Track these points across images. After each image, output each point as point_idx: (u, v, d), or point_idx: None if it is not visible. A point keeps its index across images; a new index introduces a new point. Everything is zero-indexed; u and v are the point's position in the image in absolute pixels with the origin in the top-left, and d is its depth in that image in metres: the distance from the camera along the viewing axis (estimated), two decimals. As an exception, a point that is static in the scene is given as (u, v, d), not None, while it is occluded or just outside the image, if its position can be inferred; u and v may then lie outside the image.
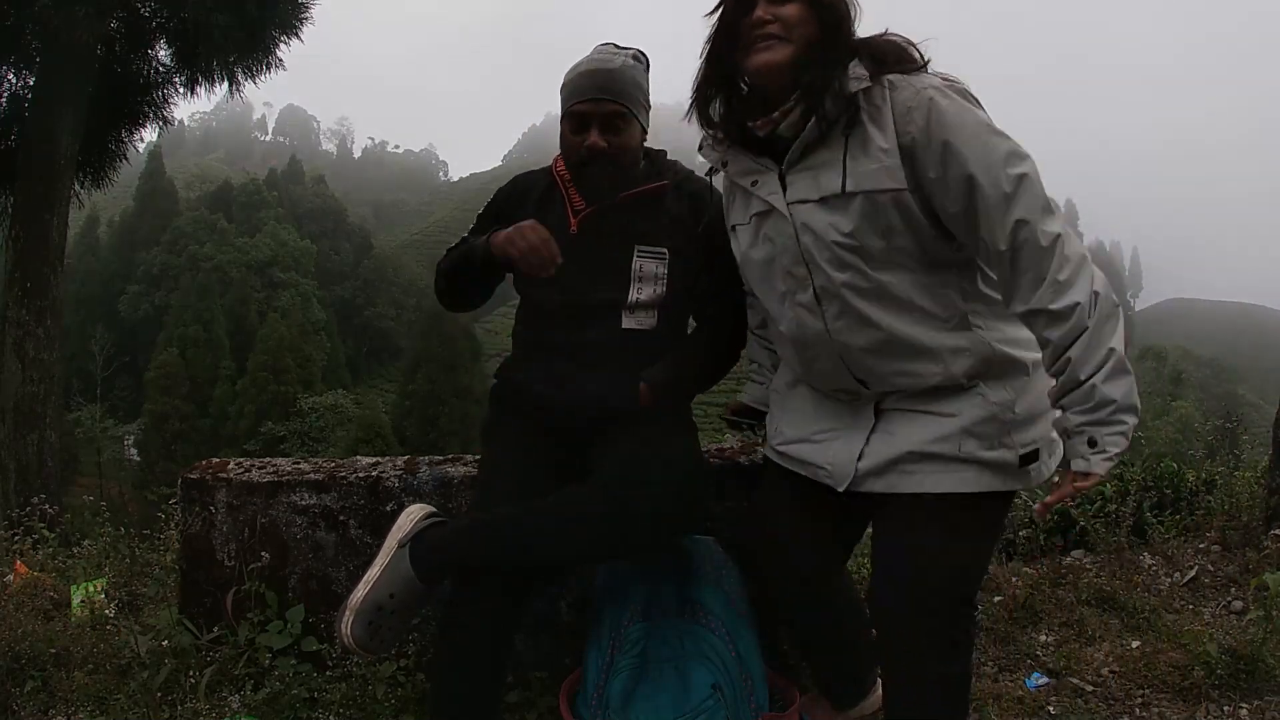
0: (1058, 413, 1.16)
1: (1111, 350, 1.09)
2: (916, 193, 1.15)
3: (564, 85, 1.53)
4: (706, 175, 1.43)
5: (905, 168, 1.14)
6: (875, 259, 1.18)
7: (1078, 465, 1.12)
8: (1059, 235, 1.09)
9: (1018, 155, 1.11)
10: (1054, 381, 1.15)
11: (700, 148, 1.37)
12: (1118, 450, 1.10)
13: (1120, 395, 1.08)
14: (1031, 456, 1.21)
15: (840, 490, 1.30)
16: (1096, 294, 1.10)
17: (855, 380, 1.27)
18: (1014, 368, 1.22)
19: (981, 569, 1.33)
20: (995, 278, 1.19)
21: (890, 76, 1.16)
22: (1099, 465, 1.10)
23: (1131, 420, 1.10)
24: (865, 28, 1.23)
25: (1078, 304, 1.09)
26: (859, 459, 1.27)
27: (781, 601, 1.53)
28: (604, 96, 1.47)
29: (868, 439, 1.28)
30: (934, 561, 1.22)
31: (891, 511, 1.27)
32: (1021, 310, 1.14)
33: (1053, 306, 1.10)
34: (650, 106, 1.56)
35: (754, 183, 1.27)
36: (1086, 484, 1.12)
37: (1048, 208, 1.11)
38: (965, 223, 1.14)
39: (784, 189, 1.24)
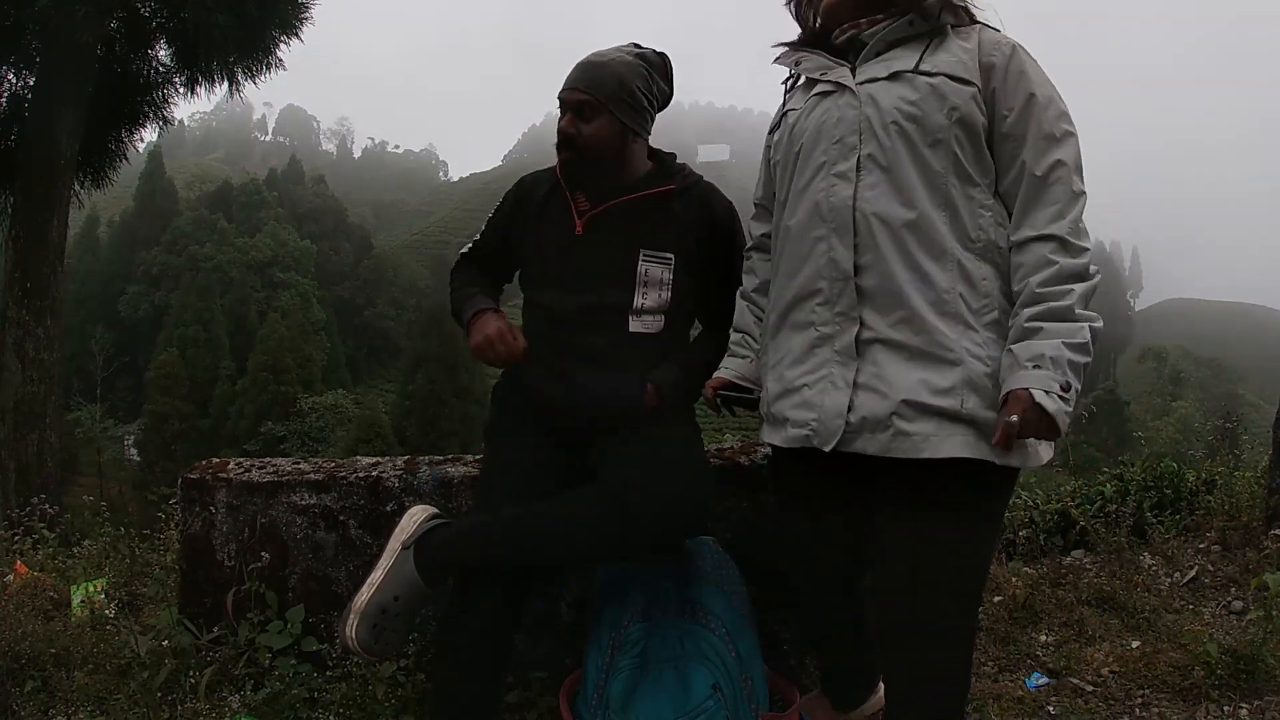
0: None
1: (1096, 318, 1.13)
2: (982, 101, 1.19)
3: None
4: (783, 84, 1.43)
5: (982, 80, 1.20)
6: (931, 136, 1.18)
7: (1044, 401, 1.07)
8: (1085, 196, 1.15)
9: (1070, 119, 1.18)
10: None
11: (776, 59, 1.40)
12: (1073, 407, 1.10)
13: (1089, 358, 1.11)
14: None
15: (827, 450, 1.20)
16: (1099, 272, 1.16)
17: (850, 275, 1.19)
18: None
19: (987, 562, 1.29)
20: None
21: (977, 23, 1.26)
22: (1061, 413, 1.08)
23: (1079, 387, 1.11)
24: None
25: (1087, 251, 1.14)
26: (848, 410, 1.18)
27: (803, 601, 1.51)
28: (575, 86, 1.48)
29: (854, 384, 1.18)
30: (938, 555, 1.18)
31: (890, 495, 1.20)
32: (1032, 235, 1.15)
33: (1070, 239, 1.13)
34: (650, 106, 1.54)
35: (823, 73, 1.29)
36: (1022, 434, 1.09)
37: (1080, 173, 1.16)
38: (1011, 144, 1.18)
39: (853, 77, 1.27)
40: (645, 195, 1.51)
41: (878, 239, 1.18)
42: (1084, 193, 1.16)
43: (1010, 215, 1.20)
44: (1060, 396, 1.08)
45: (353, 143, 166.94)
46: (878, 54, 1.26)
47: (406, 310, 57.59)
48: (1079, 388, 1.10)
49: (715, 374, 1.50)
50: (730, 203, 1.62)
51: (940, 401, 1.13)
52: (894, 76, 1.22)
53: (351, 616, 1.36)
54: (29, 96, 7.19)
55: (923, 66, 1.21)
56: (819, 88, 1.30)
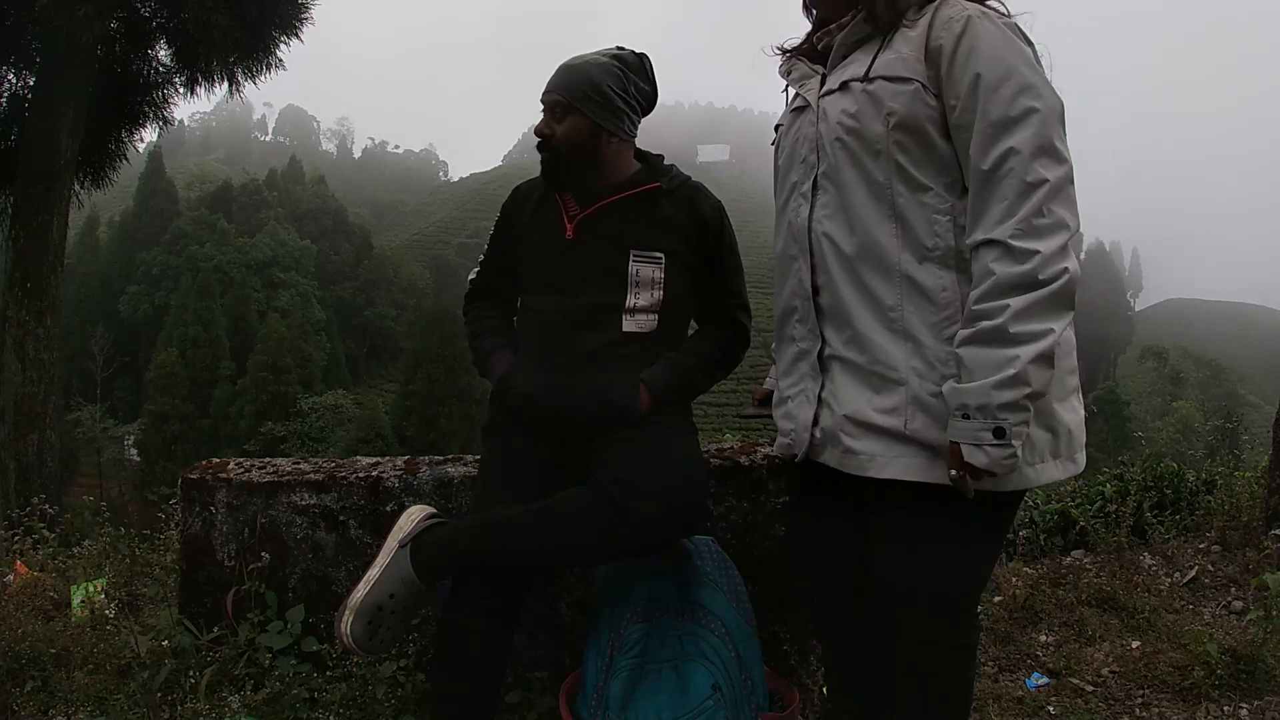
0: (1058, 402, 1.08)
1: (1050, 330, 1.00)
2: (931, 94, 1.11)
3: None
4: (783, 93, 1.41)
5: (929, 69, 1.11)
6: (873, 146, 1.13)
7: (972, 456, 1.02)
8: (1048, 184, 1.01)
9: (1035, 92, 1.04)
10: (1064, 374, 1.08)
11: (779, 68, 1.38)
12: (1019, 444, 1.01)
13: (1040, 382, 1.01)
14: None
15: (798, 460, 1.23)
16: (1066, 271, 1.01)
17: (812, 292, 1.20)
18: None
19: (983, 574, 1.24)
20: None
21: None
22: (998, 462, 1.01)
23: (1030, 419, 1.02)
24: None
25: (1038, 253, 1.00)
26: (813, 423, 1.20)
27: (812, 613, 1.48)
28: (548, 88, 1.53)
29: (819, 399, 1.21)
30: (930, 568, 1.14)
31: (883, 507, 1.18)
32: (978, 239, 1.05)
33: (1013, 242, 1.01)
34: (628, 106, 1.54)
35: (803, 85, 1.29)
36: (971, 483, 1.04)
37: (1050, 154, 1.03)
38: (964, 135, 1.08)
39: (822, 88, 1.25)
40: (632, 195, 1.52)
41: (828, 260, 1.18)
42: (1045, 180, 1.01)
43: None
44: (993, 445, 1.01)
45: (353, 143, 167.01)
46: (842, 59, 1.22)
47: (406, 310, 57.58)
48: (1021, 421, 1.01)
49: (760, 387, 1.58)
50: (718, 201, 1.63)
51: (883, 421, 1.12)
52: (843, 87, 1.18)
53: (347, 613, 1.36)
54: (29, 96, 7.20)
55: (871, 71, 1.15)
56: (795, 101, 1.31)
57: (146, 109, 7.81)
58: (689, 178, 1.62)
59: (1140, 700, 1.83)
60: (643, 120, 1.60)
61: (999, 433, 1.00)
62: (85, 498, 3.95)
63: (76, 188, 7.30)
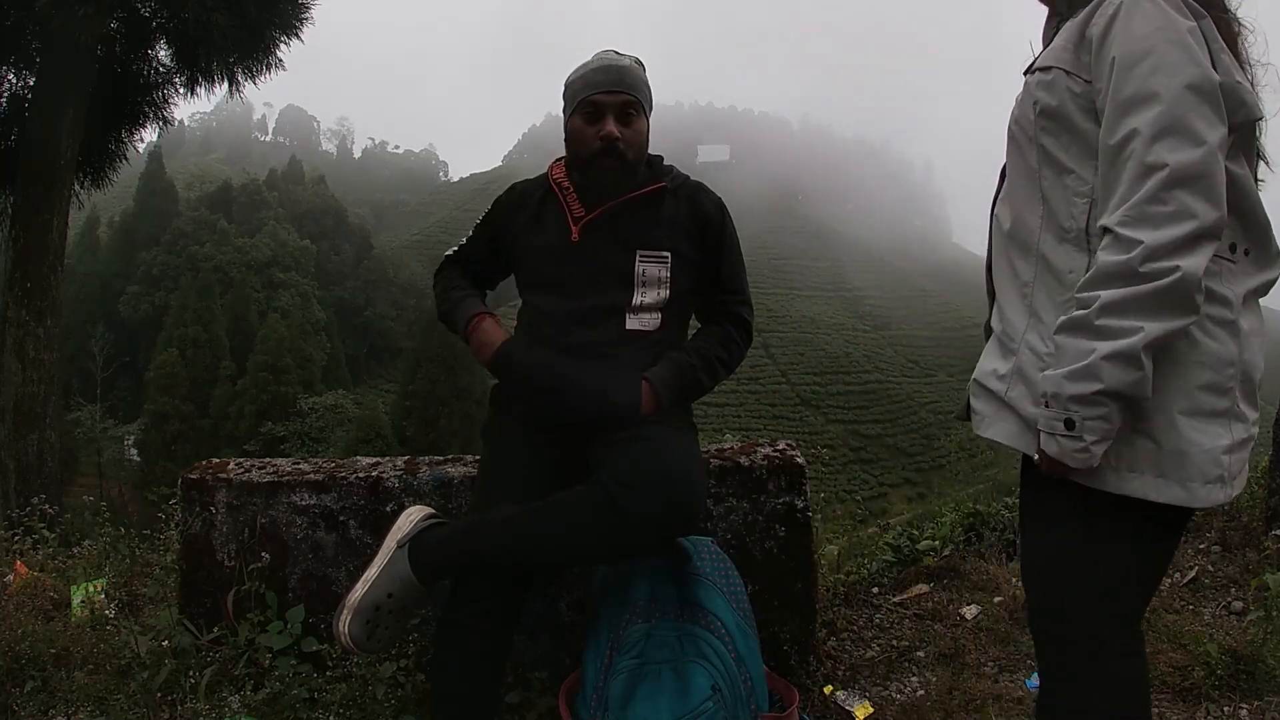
0: (1176, 417, 1.01)
1: (1139, 329, 0.94)
2: (1079, 79, 1.08)
3: (572, 83, 1.56)
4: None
5: (1081, 55, 1.08)
6: (1027, 133, 1.14)
7: (1046, 444, 1.02)
8: (1167, 168, 0.94)
9: (1172, 69, 0.97)
10: (1195, 388, 1.01)
11: None
12: (1094, 440, 0.98)
13: (1117, 380, 0.95)
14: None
15: (960, 420, 1.26)
16: (1178, 269, 0.93)
17: (986, 270, 1.24)
18: None
19: (1113, 586, 1.09)
20: None
21: None
22: (1069, 454, 0.99)
23: (1110, 417, 0.97)
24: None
25: (1141, 244, 0.94)
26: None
27: None
28: (618, 88, 1.51)
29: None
30: (1052, 565, 1.11)
31: (1025, 497, 1.18)
32: (1100, 225, 1.02)
33: (1120, 229, 0.96)
34: (651, 109, 1.58)
35: None
36: (1048, 470, 1.03)
37: (1177, 135, 0.95)
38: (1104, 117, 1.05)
39: None
40: (638, 195, 1.52)
41: (995, 238, 1.21)
42: (1164, 165, 0.94)
43: None
44: (1064, 436, 0.99)
45: (353, 143, 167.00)
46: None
47: (406, 310, 57.60)
48: (1095, 416, 0.97)
49: None
50: (719, 199, 1.63)
51: (993, 384, 1.15)
52: (1027, 73, 1.18)
53: (345, 612, 1.37)
54: (29, 96, 7.19)
55: (1035, 64, 1.16)
56: None
57: (146, 109, 7.80)
58: (689, 177, 1.63)
59: (1140, 700, 1.83)
60: None
61: (1069, 424, 0.99)
62: (85, 498, 3.95)
63: (76, 188, 7.29)
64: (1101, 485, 1.03)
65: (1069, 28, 1.12)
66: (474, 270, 1.72)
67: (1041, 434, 1.03)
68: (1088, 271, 1.03)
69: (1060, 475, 1.03)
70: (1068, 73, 1.09)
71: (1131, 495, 1.01)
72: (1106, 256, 0.98)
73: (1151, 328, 0.94)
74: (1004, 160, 1.24)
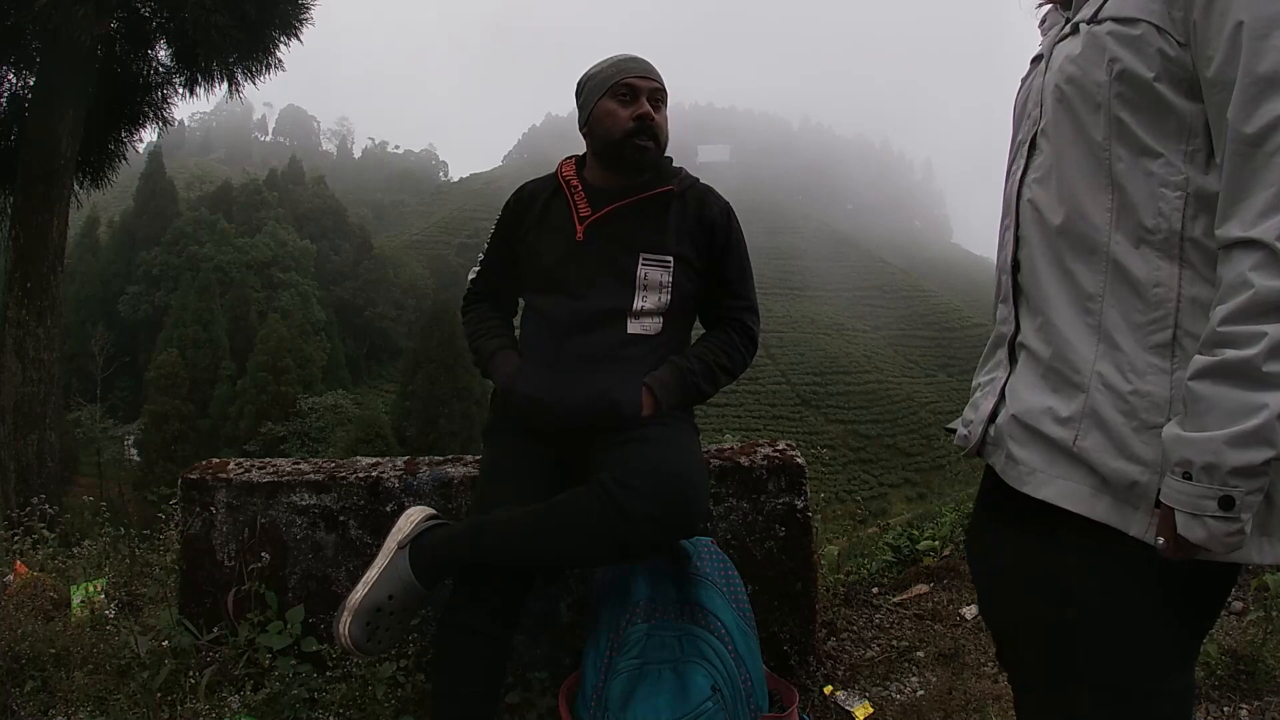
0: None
1: None
2: (1172, 40, 0.86)
3: (600, 71, 1.57)
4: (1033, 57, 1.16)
5: (1173, 10, 0.86)
6: (1093, 99, 0.91)
7: (1187, 529, 0.79)
8: None
9: None
10: None
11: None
12: (1249, 520, 0.77)
13: (1271, 452, 0.74)
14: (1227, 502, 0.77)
15: (964, 455, 1.06)
16: None
17: (1012, 268, 1.02)
18: None
19: (1166, 652, 0.94)
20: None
21: None
22: (1219, 539, 0.77)
23: (1262, 488, 0.77)
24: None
25: None
26: (990, 419, 1.02)
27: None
28: (650, 76, 1.55)
29: (1001, 392, 1.01)
30: (1101, 628, 0.92)
31: (1030, 536, 0.98)
32: (1234, 236, 0.79)
33: (1279, 244, 0.75)
34: None
35: (1049, 33, 1.08)
36: (1174, 555, 0.81)
37: None
38: (1219, 95, 0.82)
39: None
40: (643, 198, 1.52)
41: (1031, 231, 0.99)
42: None
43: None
44: (1216, 518, 0.77)
45: (353, 143, 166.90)
46: (1084, 1, 0.99)
47: (406, 310, 57.62)
48: (1255, 490, 0.77)
49: None
50: (727, 203, 1.63)
51: (1051, 430, 0.92)
52: (1074, 29, 0.96)
53: (345, 613, 1.36)
54: (29, 96, 7.19)
55: (1102, 12, 0.92)
56: (1037, 51, 1.08)
57: (146, 109, 7.80)
58: (697, 180, 1.62)
59: (1140, 700, 1.83)
60: None
61: (1226, 503, 0.77)
62: (85, 498, 3.95)
63: (76, 188, 7.29)
64: (1244, 559, 0.84)
65: None
66: (499, 290, 1.71)
67: (1179, 516, 0.79)
68: (1176, 286, 0.85)
69: (1182, 558, 0.83)
70: (1159, 30, 0.86)
71: (1246, 562, 0.85)
72: (1266, 281, 0.75)
73: None
74: (1021, 130, 1.04)
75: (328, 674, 1.76)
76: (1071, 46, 0.95)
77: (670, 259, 1.52)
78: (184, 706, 1.68)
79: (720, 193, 1.65)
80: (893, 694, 1.91)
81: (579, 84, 1.60)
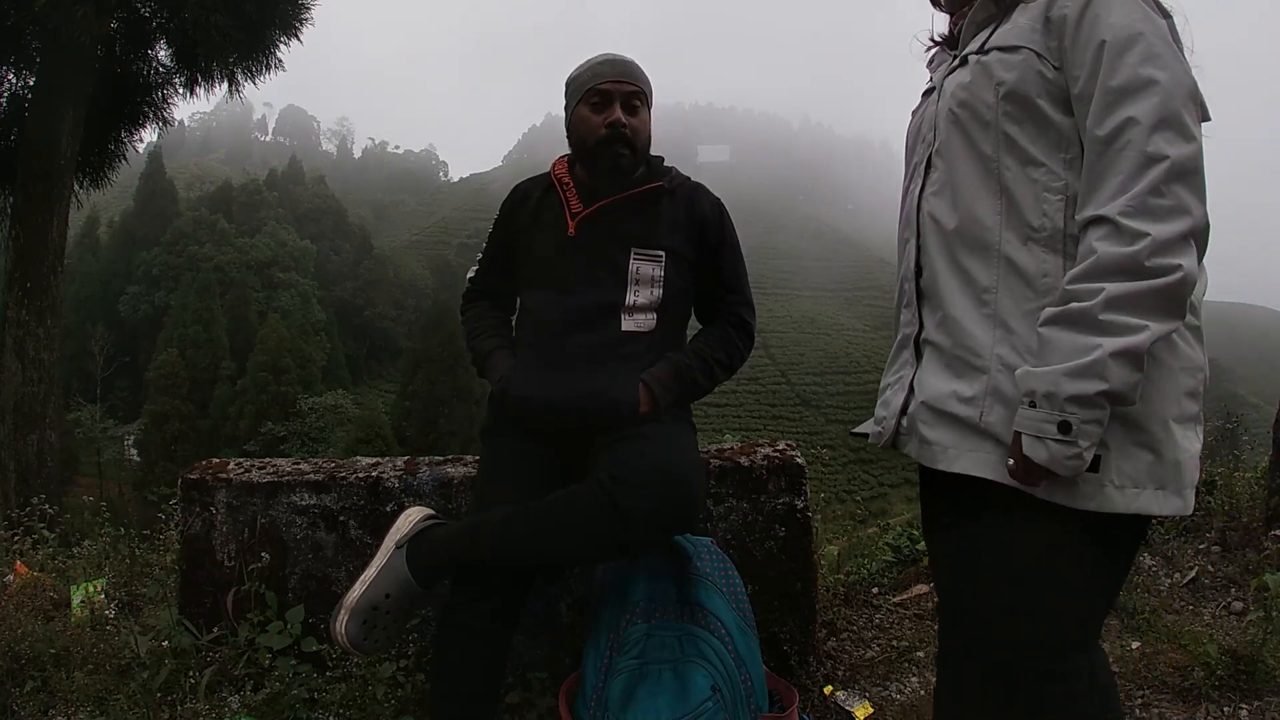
0: (1169, 425, 0.95)
1: (1145, 328, 0.88)
2: (1048, 64, 1.01)
3: (577, 76, 1.56)
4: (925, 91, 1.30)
5: (1049, 39, 1.02)
6: (982, 117, 1.05)
7: (1032, 449, 0.92)
8: (1168, 160, 0.89)
9: (1163, 62, 0.93)
10: (1182, 395, 0.96)
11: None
12: (1087, 447, 0.90)
13: (1121, 381, 0.88)
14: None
15: (880, 447, 1.17)
16: (1180, 269, 0.88)
17: (915, 274, 1.13)
18: None
19: (1078, 607, 1.03)
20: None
21: None
22: (1059, 460, 0.91)
23: (1104, 423, 0.91)
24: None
25: (1148, 236, 0.88)
26: (901, 411, 1.12)
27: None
28: (625, 79, 1.52)
29: (910, 385, 1.12)
30: (1013, 590, 1.01)
31: (956, 517, 1.08)
32: (1088, 215, 0.94)
33: (1122, 220, 0.89)
34: (651, 107, 1.59)
35: (938, 70, 1.22)
36: (1025, 479, 0.95)
37: (1175, 129, 0.91)
38: (1084, 107, 0.97)
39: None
40: (636, 194, 1.53)
41: (930, 239, 1.11)
42: (1165, 157, 0.89)
43: None
44: (1056, 440, 0.91)
45: (353, 143, 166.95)
46: (971, 39, 1.14)
47: (406, 310, 57.65)
48: (1091, 420, 0.90)
49: None
50: (718, 200, 1.63)
51: (959, 409, 1.03)
52: (963, 62, 1.11)
53: (342, 612, 1.37)
54: (29, 96, 7.19)
55: (988, 43, 1.07)
56: (927, 85, 1.23)
57: (146, 109, 7.80)
58: (688, 178, 1.63)
59: (1140, 701, 1.83)
60: None
61: (1064, 427, 0.90)
62: (85, 498, 3.95)
63: (76, 188, 7.29)
64: (1110, 507, 0.95)
65: (1025, 10, 1.05)
66: (497, 288, 1.72)
67: (1025, 438, 0.93)
68: (1060, 275, 0.98)
69: (1030, 485, 0.96)
70: (1039, 55, 1.01)
71: (1141, 512, 0.95)
72: (1108, 247, 0.90)
73: (1155, 327, 0.89)
74: (916, 153, 1.17)
75: (328, 674, 1.76)
76: (962, 76, 1.09)
77: (661, 254, 1.52)
78: (184, 706, 1.68)
79: (720, 193, 1.66)
80: (893, 694, 1.91)
81: (566, 86, 1.61)
